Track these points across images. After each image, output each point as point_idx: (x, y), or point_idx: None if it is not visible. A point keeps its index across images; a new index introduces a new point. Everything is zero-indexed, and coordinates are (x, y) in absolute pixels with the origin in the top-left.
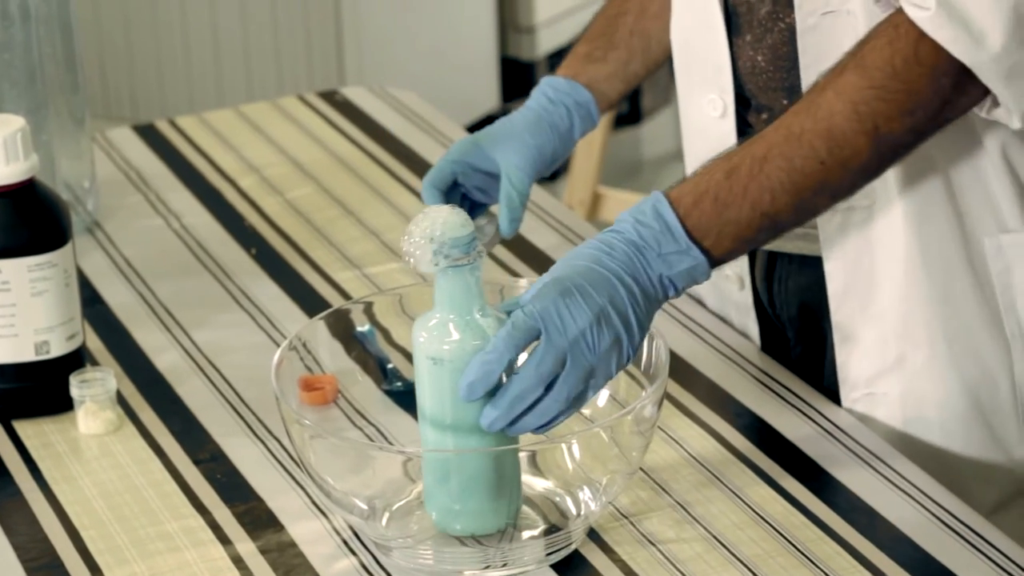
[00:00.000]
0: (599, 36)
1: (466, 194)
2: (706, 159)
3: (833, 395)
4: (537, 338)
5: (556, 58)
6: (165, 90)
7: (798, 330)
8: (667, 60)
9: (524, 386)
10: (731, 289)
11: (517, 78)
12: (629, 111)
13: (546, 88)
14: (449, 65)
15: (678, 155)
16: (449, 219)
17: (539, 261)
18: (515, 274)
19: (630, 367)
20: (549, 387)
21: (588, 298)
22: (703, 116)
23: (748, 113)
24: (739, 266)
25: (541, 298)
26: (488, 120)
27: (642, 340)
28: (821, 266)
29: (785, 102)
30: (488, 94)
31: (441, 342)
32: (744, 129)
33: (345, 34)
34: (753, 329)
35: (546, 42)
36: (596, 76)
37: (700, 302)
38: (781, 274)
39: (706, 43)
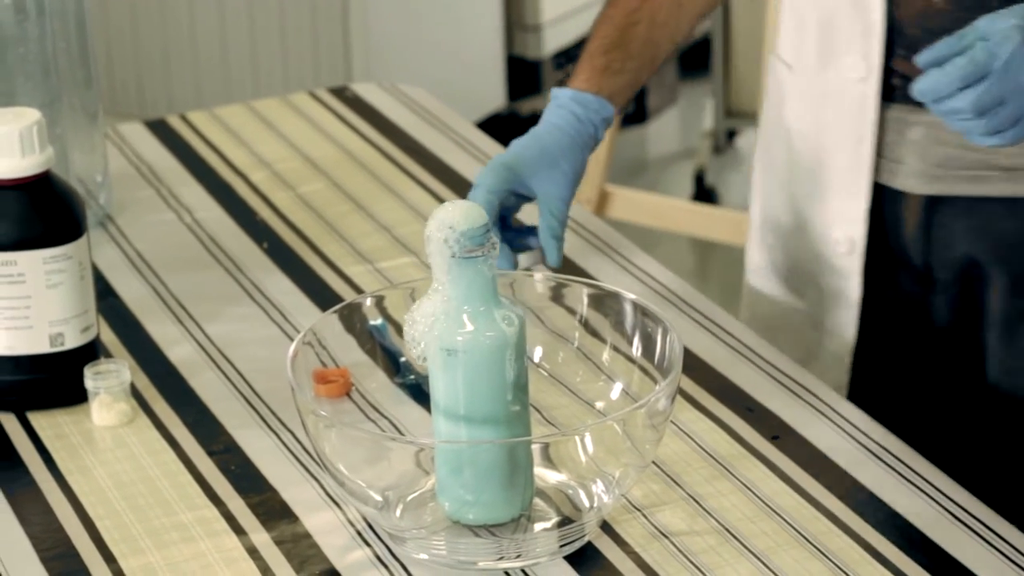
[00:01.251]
0: (615, 47)
1: (504, 216)
2: (838, 123)
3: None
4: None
5: (562, 57)
6: (172, 86)
7: (957, 282)
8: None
9: (958, 105)
10: (834, 253)
11: (523, 76)
12: (635, 110)
13: (573, 105)
14: (456, 63)
15: (683, 153)
16: (464, 212)
17: None
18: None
19: (643, 360)
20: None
21: None
22: (841, 80)
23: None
24: (851, 227)
25: (1007, 41)
26: (495, 119)
27: None
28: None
29: None
30: (494, 92)
31: (455, 334)
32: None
33: (352, 32)
34: (853, 293)
35: (552, 41)
36: (615, 89)
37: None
38: (942, 219)
39: (856, 8)
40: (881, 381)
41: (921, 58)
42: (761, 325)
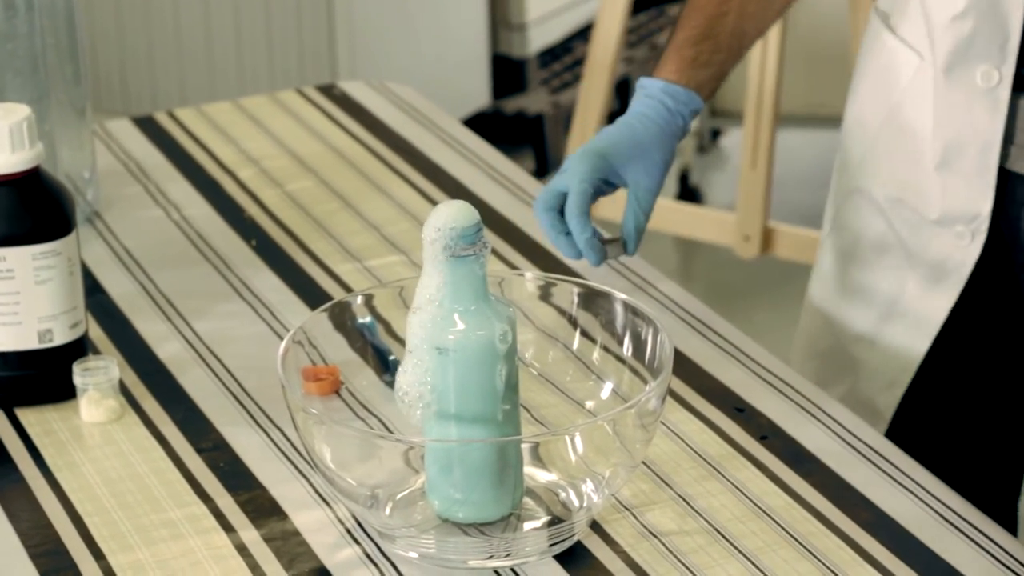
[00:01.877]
0: (704, 39)
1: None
2: (958, 135)
3: None
4: None
5: (547, 55)
6: (157, 83)
7: None
8: None
9: None
10: (953, 245)
11: (508, 75)
12: (619, 109)
13: (664, 97)
14: (441, 61)
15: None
16: (457, 211)
17: (540, 255)
18: (514, 267)
19: (633, 360)
20: None
21: None
22: (970, 88)
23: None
24: (975, 211)
25: None
26: (480, 118)
27: None
28: None
29: None
30: (479, 91)
31: (446, 332)
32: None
33: (338, 29)
34: (949, 296)
35: (537, 40)
36: (703, 80)
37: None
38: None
39: (995, 12)
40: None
41: None
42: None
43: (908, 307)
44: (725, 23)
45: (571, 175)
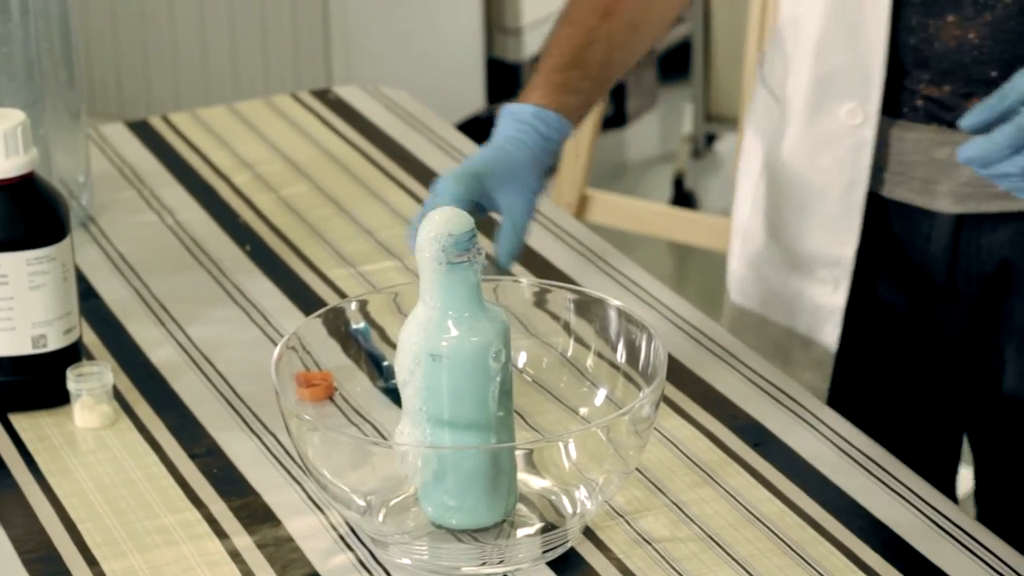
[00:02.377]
0: (573, 66)
1: None
2: (832, 167)
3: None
4: None
5: None
6: (152, 87)
7: (981, 296)
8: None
9: (1008, 170)
10: (820, 292)
11: (503, 79)
12: (614, 114)
13: (536, 122)
14: (436, 66)
15: (662, 158)
16: (451, 219)
17: (531, 261)
18: (510, 274)
19: (627, 367)
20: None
21: None
22: (837, 125)
23: (895, 117)
24: (837, 268)
25: None
26: (475, 122)
27: None
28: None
29: (994, 74)
30: (474, 95)
31: (440, 338)
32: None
33: (333, 33)
34: (832, 334)
35: (532, 44)
36: (572, 107)
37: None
38: (971, 236)
39: (855, 53)
40: (861, 392)
41: (965, 123)
42: (740, 326)
43: (800, 359)
44: (593, 52)
45: (442, 197)
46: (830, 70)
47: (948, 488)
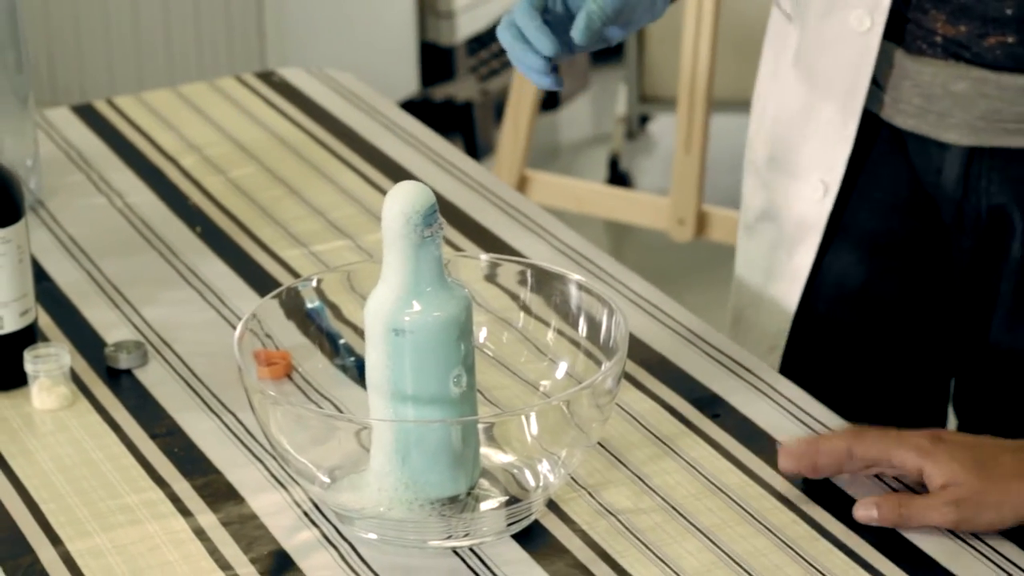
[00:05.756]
0: None
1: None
2: (842, 68)
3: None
4: None
5: (475, 43)
6: (85, 72)
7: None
8: None
9: None
10: (809, 199)
11: (436, 63)
12: (547, 96)
13: None
14: (370, 49)
15: (595, 140)
16: (417, 193)
17: (482, 237)
18: (458, 249)
19: (587, 342)
20: None
21: None
22: (845, 30)
23: (917, 54)
24: (830, 173)
25: None
26: (409, 105)
27: None
28: None
29: (1010, 12)
30: (407, 78)
31: (402, 313)
32: (885, 61)
33: (267, 16)
34: (809, 253)
35: (465, 27)
36: None
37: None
38: (984, 167)
39: None
40: (840, 329)
41: None
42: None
43: (781, 271)
44: None
45: None
46: None
47: None
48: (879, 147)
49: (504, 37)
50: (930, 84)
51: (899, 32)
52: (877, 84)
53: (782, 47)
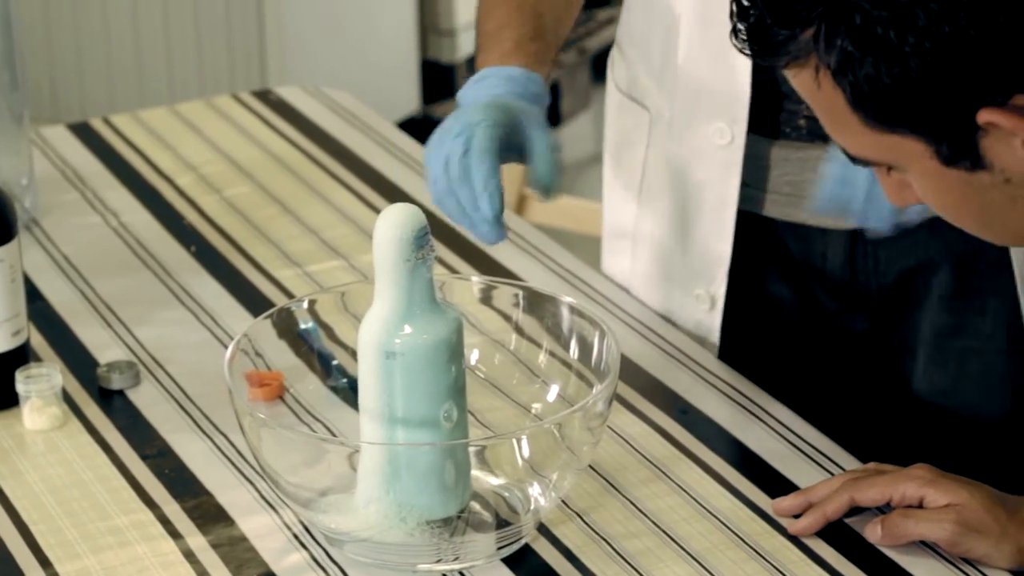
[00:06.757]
0: (537, 38)
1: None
2: (708, 182)
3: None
4: None
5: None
6: (86, 90)
7: (887, 301)
8: None
9: None
10: (698, 310)
11: (437, 81)
12: (548, 114)
13: (527, 81)
14: (370, 67)
15: (597, 157)
16: (409, 216)
17: (479, 259)
18: (454, 270)
19: (579, 364)
20: None
21: None
22: (708, 144)
23: (768, 137)
24: (712, 286)
25: None
26: (410, 123)
27: None
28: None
29: None
30: (408, 96)
31: (394, 336)
32: (752, 157)
33: (268, 34)
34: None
35: (466, 45)
36: (545, 77)
37: (668, 319)
38: (867, 250)
39: (720, 75)
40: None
41: None
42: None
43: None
44: (545, 24)
45: (479, 126)
46: (697, 88)
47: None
48: (760, 244)
49: (447, 206)
50: (800, 169)
51: (763, 123)
52: (746, 183)
53: (640, 135)
